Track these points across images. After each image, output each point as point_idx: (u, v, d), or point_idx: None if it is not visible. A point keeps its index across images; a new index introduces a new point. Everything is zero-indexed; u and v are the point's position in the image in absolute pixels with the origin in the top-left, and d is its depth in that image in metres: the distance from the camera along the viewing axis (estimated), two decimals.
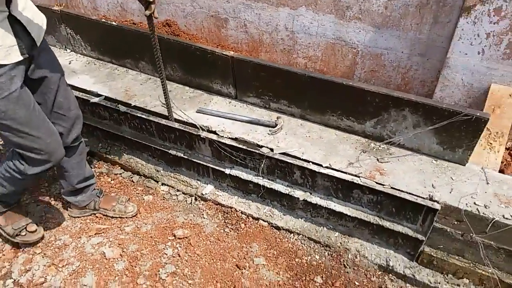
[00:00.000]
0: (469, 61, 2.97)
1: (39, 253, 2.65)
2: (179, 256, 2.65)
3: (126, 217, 2.91)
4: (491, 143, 2.88)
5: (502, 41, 2.86)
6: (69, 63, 3.54)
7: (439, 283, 2.48)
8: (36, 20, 2.11)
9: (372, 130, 2.61)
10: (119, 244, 2.71)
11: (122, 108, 3.01)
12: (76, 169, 2.64)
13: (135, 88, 3.18)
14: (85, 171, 2.71)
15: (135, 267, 2.58)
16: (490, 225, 2.19)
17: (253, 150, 2.64)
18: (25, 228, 2.60)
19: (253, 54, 4.12)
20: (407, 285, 2.55)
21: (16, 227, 2.57)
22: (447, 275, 2.50)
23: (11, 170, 2.31)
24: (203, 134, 2.77)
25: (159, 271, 2.55)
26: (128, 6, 4.76)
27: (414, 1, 3.17)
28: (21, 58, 2.00)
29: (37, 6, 2.22)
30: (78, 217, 2.90)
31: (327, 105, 2.66)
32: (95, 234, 2.78)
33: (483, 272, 2.39)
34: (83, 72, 3.42)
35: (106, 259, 2.62)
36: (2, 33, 1.89)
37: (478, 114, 2.20)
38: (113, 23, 3.20)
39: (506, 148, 3.53)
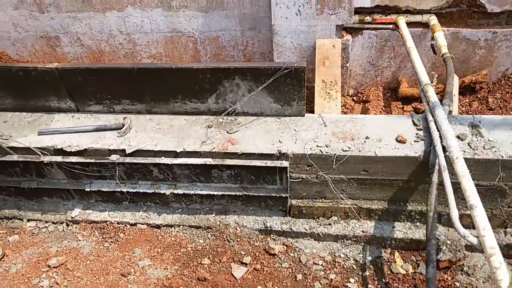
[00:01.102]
0: (291, 23, 3.20)
1: None
2: (57, 284, 2.49)
3: None
4: (329, 93, 3.16)
5: None
6: None
7: (314, 228, 2.67)
8: None
9: (216, 106, 2.69)
10: None
11: None
12: None
13: None
14: None
15: None
16: (334, 160, 2.42)
17: (101, 160, 2.56)
18: None
19: None
20: (288, 239, 2.70)
21: None
22: (318, 218, 2.70)
23: None
24: (46, 158, 2.60)
25: None
26: None
27: None
28: None
29: None
30: None
31: (167, 94, 2.68)
32: None
33: (345, 206, 2.62)
34: None
35: None
36: None
37: (295, 65, 2.39)
38: None
39: (349, 95, 3.93)
